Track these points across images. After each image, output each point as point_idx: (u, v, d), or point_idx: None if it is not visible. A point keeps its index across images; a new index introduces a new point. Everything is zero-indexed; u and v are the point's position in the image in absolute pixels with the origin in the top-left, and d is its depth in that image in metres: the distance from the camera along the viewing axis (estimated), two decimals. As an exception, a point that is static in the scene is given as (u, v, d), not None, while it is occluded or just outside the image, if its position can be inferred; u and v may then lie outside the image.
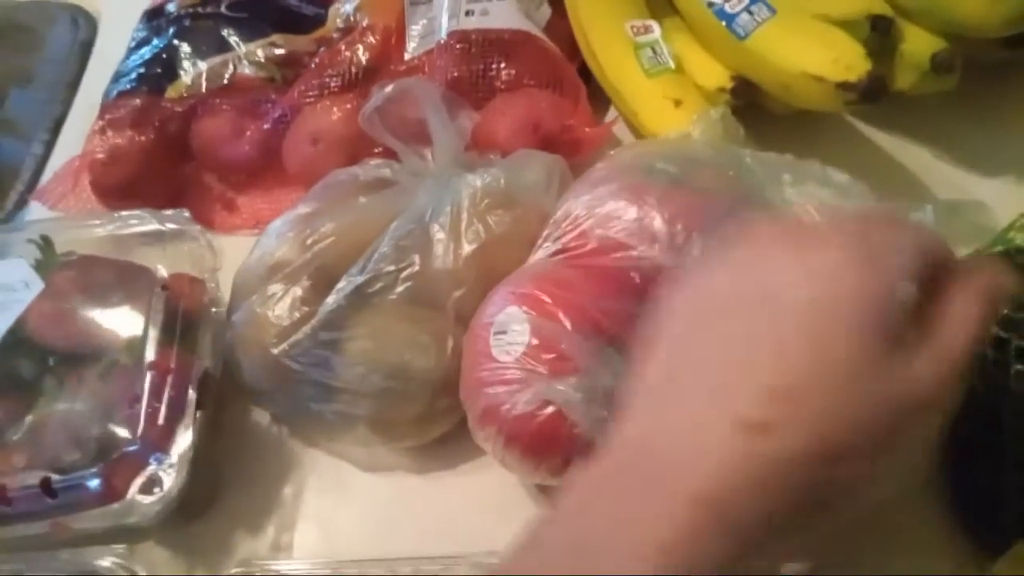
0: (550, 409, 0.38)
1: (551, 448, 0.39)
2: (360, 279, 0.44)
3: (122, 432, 0.41)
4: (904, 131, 0.56)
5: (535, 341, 0.39)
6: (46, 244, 0.48)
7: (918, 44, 0.50)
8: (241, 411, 0.51)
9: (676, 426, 0.27)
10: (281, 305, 0.44)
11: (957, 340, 0.28)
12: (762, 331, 0.28)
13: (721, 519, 0.25)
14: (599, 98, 0.58)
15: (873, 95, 0.46)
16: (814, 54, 0.47)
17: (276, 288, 0.45)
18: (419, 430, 0.45)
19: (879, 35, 0.49)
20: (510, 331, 0.40)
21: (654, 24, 0.57)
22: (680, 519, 0.25)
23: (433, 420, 0.45)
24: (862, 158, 0.56)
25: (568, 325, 0.39)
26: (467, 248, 0.45)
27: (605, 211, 0.42)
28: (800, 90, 0.49)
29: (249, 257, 0.49)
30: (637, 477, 0.27)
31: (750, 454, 0.25)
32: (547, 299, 0.40)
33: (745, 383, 0.27)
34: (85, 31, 0.78)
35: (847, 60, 0.46)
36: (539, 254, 0.45)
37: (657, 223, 0.41)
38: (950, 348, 0.28)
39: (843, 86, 0.46)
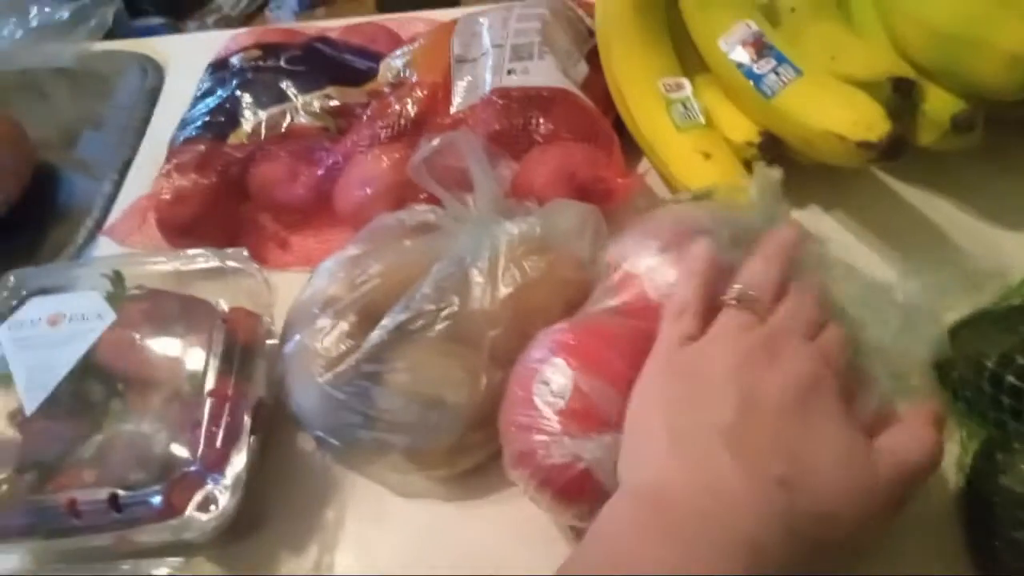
0: (582, 464, 0.40)
1: (580, 497, 0.41)
2: (402, 316, 0.47)
3: (183, 453, 0.44)
4: (929, 184, 0.58)
5: (576, 396, 0.41)
6: (118, 278, 0.52)
7: (940, 104, 0.52)
8: (288, 437, 0.53)
9: (708, 477, 0.33)
10: (329, 338, 0.48)
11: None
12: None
13: (765, 564, 0.31)
14: (633, 150, 0.61)
15: (892, 154, 0.48)
16: (836, 114, 0.50)
17: (325, 323, 0.48)
18: (451, 461, 0.48)
19: (901, 96, 0.52)
20: (553, 382, 0.42)
21: (686, 81, 0.60)
22: (737, 562, 0.30)
23: (465, 452, 0.48)
24: (887, 209, 0.58)
25: (610, 383, 0.41)
26: (503, 291, 0.48)
27: (665, 276, 0.43)
28: (823, 147, 0.51)
29: (302, 294, 0.52)
30: (683, 523, 0.32)
31: (788, 506, 0.32)
32: (596, 355, 0.42)
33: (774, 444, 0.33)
34: (153, 79, 0.84)
35: (868, 121, 0.49)
36: (597, 307, 0.46)
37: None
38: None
39: (863, 145, 0.48)
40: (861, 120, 0.49)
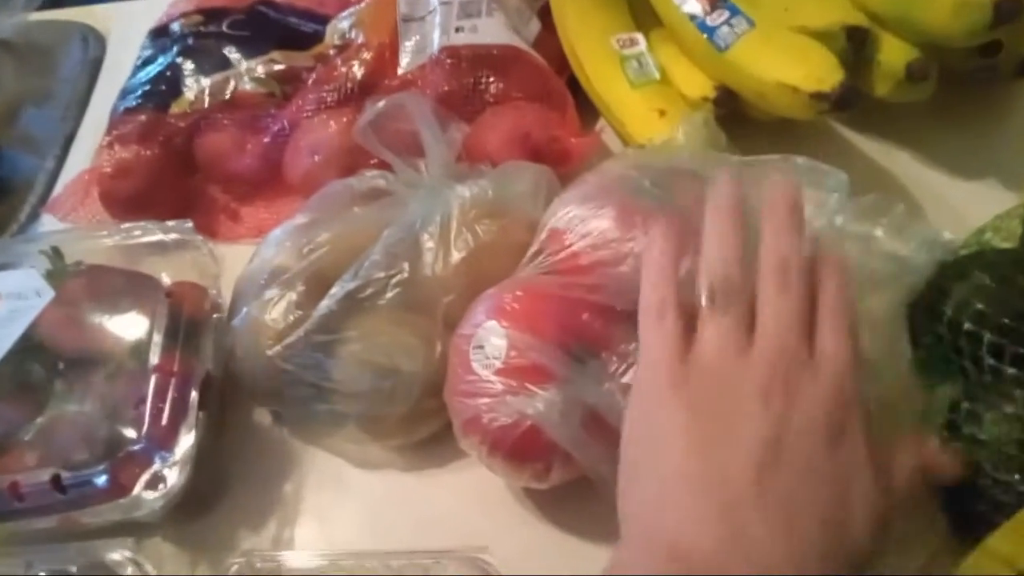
0: (528, 421, 0.39)
1: (532, 456, 0.41)
2: (352, 285, 0.46)
3: (128, 432, 0.43)
4: (885, 136, 0.57)
5: (513, 354, 0.40)
6: (56, 255, 0.50)
7: (893, 54, 0.51)
8: (244, 412, 0.53)
9: (737, 536, 0.30)
10: (277, 309, 0.47)
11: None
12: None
13: None
14: (588, 109, 0.60)
15: (845, 104, 0.47)
16: (789, 66, 0.49)
17: (273, 293, 0.47)
18: (407, 429, 0.47)
19: (855, 46, 0.51)
20: (488, 344, 0.41)
21: (639, 37, 0.59)
22: None
23: (420, 420, 0.47)
24: (844, 163, 0.56)
25: (545, 338, 0.40)
26: (456, 256, 0.47)
27: (592, 230, 0.43)
28: (777, 99, 0.50)
29: (249, 265, 0.51)
30: None
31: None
32: (526, 313, 0.42)
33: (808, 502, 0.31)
34: (94, 49, 0.80)
35: (820, 72, 0.48)
36: (528, 267, 0.46)
37: (641, 244, 0.41)
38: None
39: (816, 96, 0.48)
40: (813, 71, 0.48)
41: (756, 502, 0.30)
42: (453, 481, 0.48)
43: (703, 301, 0.35)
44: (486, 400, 0.40)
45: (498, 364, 0.40)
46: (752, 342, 0.33)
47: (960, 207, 0.53)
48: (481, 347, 0.41)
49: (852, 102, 0.48)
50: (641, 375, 0.35)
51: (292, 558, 0.45)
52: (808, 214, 0.45)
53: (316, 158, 0.58)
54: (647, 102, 0.56)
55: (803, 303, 0.34)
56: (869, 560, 0.31)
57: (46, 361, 0.46)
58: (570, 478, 0.42)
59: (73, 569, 0.41)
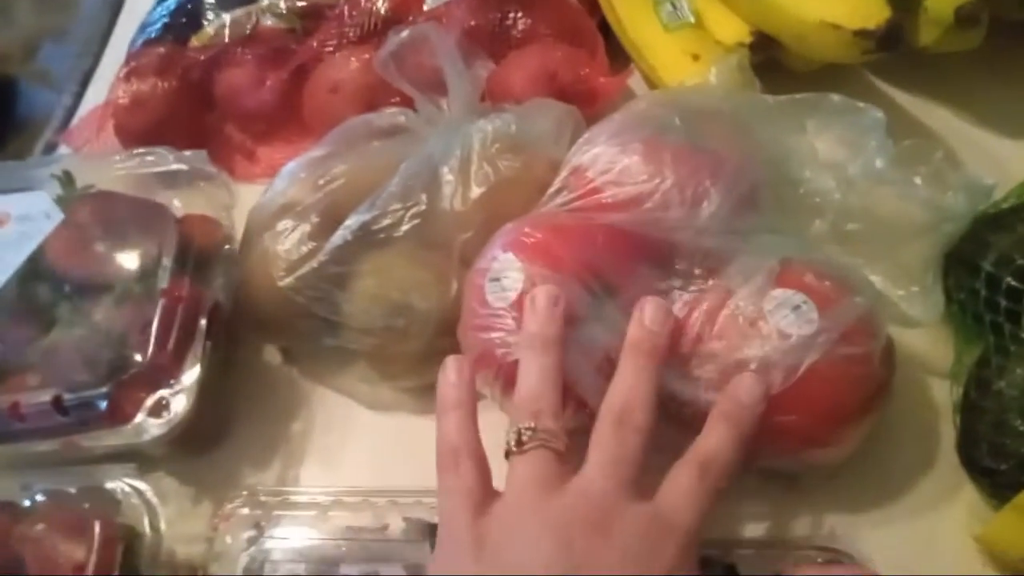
0: None
1: None
2: (367, 216, 0.44)
3: (132, 355, 0.42)
4: (926, 88, 0.55)
5: (527, 287, 0.39)
6: (67, 178, 0.49)
7: (942, -1, 0.49)
8: (253, 350, 0.51)
9: None
10: (290, 240, 0.45)
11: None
12: None
13: None
14: (619, 54, 0.58)
15: (891, 43, 0.45)
16: (831, 2, 0.47)
17: (286, 224, 0.46)
18: (419, 369, 0.45)
19: (902, -14, 0.48)
20: (504, 277, 0.40)
21: (674, -22, 0.57)
22: None
23: (433, 360, 0.44)
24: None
25: (564, 273, 0.39)
26: (475, 191, 0.46)
27: (618, 166, 0.42)
28: (817, 40, 0.48)
29: (263, 197, 0.50)
30: None
31: None
32: (544, 247, 0.40)
33: None
34: (116, -13, 0.79)
35: (865, 8, 0.46)
36: (549, 205, 0.44)
37: (668, 183, 0.40)
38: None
39: (860, 34, 0.46)
40: (859, 7, 0.46)
41: None
42: (464, 425, 0.46)
43: (511, 443, 0.33)
44: (500, 334, 0.39)
45: (513, 297, 0.39)
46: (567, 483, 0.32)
47: (1003, 160, 0.51)
48: (497, 280, 0.40)
49: (897, 41, 0.46)
50: (440, 529, 0.34)
51: (295, 493, 0.44)
52: (842, 157, 0.43)
53: (336, 94, 0.56)
54: (680, 46, 0.55)
55: (637, 446, 0.32)
56: None
57: (52, 284, 0.45)
58: (582, 424, 0.40)
59: (72, 491, 0.40)
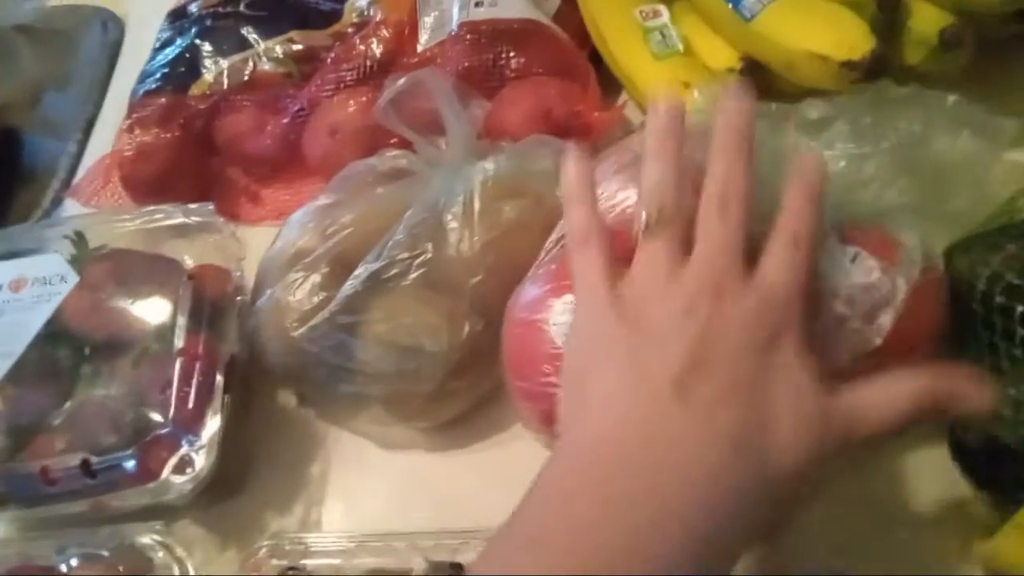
0: None
1: None
2: (376, 265, 0.45)
3: (155, 416, 0.43)
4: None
5: None
6: (80, 239, 0.50)
7: (926, 20, 0.50)
8: (269, 395, 0.53)
9: (650, 430, 0.30)
10: (301, 291, 0.46)
11: None
12: None
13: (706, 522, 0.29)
14: (611, 84, 0.59)
15: (876, 72, 0.46)
16: (818, 34, 0.48)
17: (297, 275, 0.47)
18: (432, 410, 0.47)
19: (886, 12, 0.49)
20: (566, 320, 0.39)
21: (662, 8, 0.57)
22: (675, 522, 0.29)
23: (446, 401, 0.46)
24: None
25: None
26: (481, 236, 0.46)
27: (616, 201, 0.42)
28: (806, 69, 0.49)
29: (272, 247, 0.51)
30: (615, 480, 0.30)
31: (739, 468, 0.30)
32: None
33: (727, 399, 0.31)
34: (114, 33, 0.81)
35: (851, 40, 0.47)
36: (556, 249, 0.44)
37: None
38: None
39: (847, 65, 0.46)
40: (844, 39, 0.47)
41: (677, 405, 0.30)
42: (477, 461, 0.48)
43: (641, 227, 0.35)
44: None
45: None
46: (686, 264, 0.34)
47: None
48: (558, 324, 0.39)
49: (883, 71, 0.46)
50: (578, 297, 0.36)
51: (320, 540, 0.45)
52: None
53: (336, 138, 0.57)
54: (671, 74, 0.55)
55: (740, 230, 0.34)
56: (792, 484, 0.31)
57: (72, 346, 0.46)
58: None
59: (105, 553, 0.41)
